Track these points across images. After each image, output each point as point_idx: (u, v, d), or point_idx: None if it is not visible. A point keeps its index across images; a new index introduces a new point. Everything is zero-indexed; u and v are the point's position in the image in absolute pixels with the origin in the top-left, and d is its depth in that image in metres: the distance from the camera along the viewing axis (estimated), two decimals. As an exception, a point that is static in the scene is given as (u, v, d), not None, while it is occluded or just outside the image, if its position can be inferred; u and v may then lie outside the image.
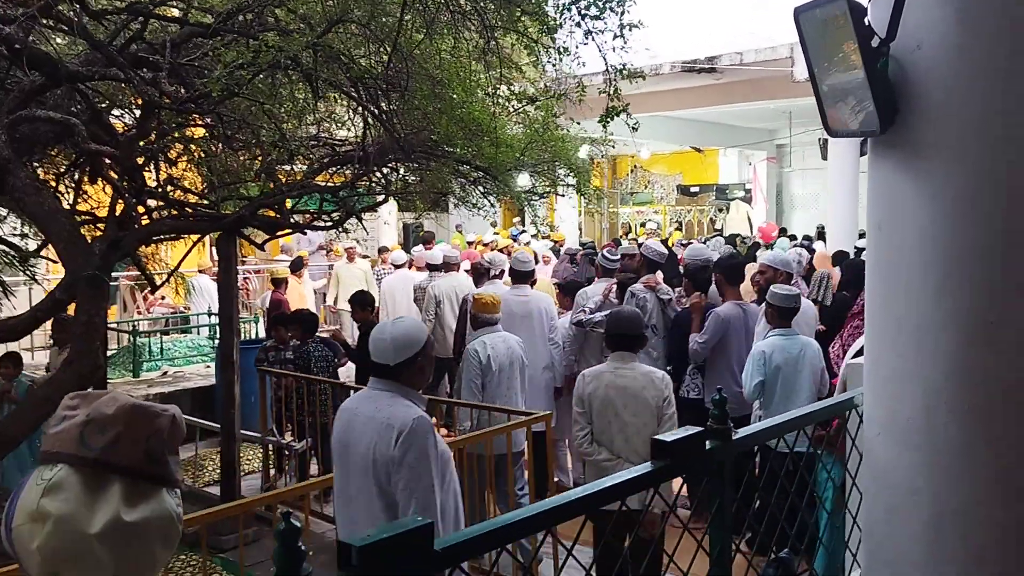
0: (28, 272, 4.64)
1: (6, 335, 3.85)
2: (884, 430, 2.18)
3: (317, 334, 6.87)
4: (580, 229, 19.48)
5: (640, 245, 8.05)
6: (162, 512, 1.27)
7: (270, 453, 6.59)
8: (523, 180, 6.41)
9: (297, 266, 11.36)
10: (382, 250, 12.77)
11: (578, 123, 5.87)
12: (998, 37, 1.94)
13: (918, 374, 2.06)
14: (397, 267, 10.18)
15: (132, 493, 1.25)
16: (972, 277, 2.00)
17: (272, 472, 6.62)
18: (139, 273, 6.67)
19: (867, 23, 2.04)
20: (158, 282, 5.55)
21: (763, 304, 5.52)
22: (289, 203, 5.77)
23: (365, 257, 12.31)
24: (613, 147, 7.40)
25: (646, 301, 6.12)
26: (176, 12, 4.39)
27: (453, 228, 17.68)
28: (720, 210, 23.50)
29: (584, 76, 4.38)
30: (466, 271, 8.67)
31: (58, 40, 4.54)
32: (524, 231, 16.22)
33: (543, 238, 15.76)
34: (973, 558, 2.02)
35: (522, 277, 6.60)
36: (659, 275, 6.34)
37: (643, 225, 24.05)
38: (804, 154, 21.33)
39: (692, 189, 24.25)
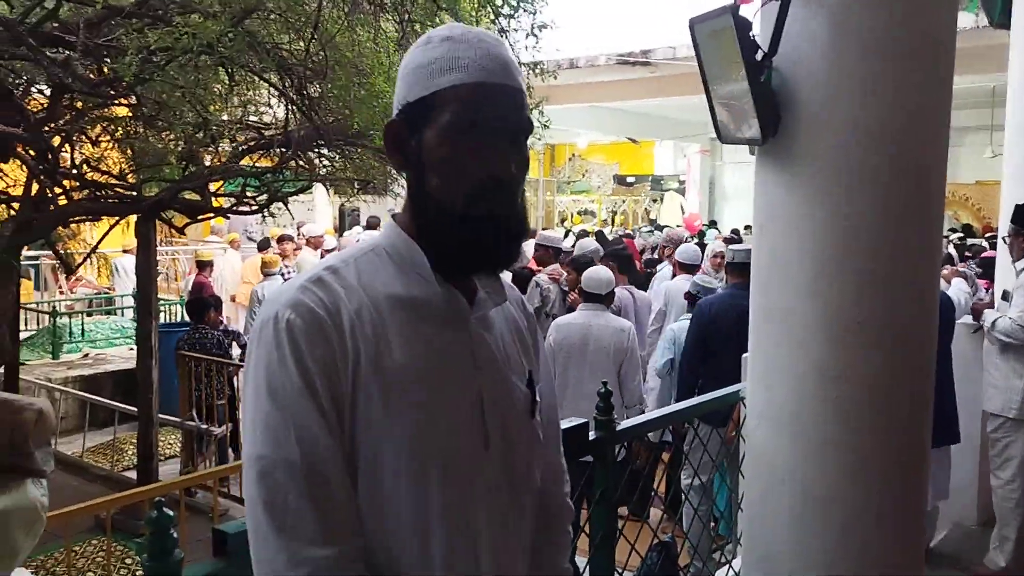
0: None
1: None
2: (762, 418, 2.32)
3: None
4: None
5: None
6: (24, 503, 1.31)
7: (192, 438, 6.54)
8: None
9: (264, 245, 10.42)
10: (282, 239, 10.31)
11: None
12: (863, 51, 2.07)
13: (791, 366, 2.19)
14: (328, 251, 10.11)
15: None
16: (841, 278, 2.13)
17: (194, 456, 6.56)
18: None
19: (752, 37, 2.15)
20: (75, 264, 5.43)
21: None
22: (215, 186, 5.70)
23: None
24: (540, 138, 7.49)
25: (550, 292, 6.40)
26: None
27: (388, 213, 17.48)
28: (655, 200, 23.83)
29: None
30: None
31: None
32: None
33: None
34: (835, 536, 2.17)
35: None
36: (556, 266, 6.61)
37: (580, 213, 24.32)
38: (737, 148, 21.69)
39: (628, 179, 24.53)
